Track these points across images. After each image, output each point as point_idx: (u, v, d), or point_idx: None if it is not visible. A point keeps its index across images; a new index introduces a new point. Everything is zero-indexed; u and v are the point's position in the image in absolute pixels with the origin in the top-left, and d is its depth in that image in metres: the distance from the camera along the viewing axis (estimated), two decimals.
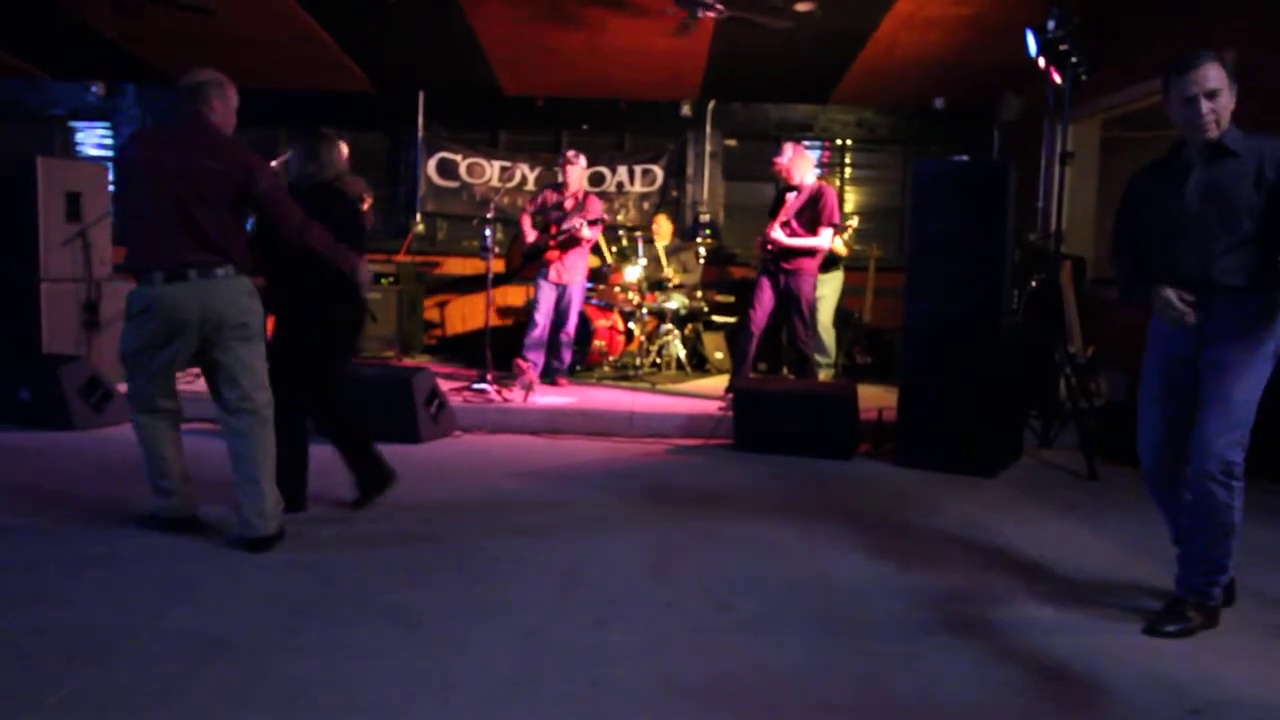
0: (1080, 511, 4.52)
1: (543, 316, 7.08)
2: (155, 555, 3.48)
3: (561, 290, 7.11)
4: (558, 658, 2.72)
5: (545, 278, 7.08)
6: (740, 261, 9.23)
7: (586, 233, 6.96)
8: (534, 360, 7.01)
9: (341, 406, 4.19)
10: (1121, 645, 2.92)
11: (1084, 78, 5.55)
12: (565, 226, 6.96)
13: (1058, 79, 5.59)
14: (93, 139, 9.71)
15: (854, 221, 8.28)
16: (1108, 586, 3.45)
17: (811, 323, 6.64)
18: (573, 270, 7.12)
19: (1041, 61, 5.61)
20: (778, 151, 6.65)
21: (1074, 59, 5.46)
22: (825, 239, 6.35)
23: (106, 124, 9.59)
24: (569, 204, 7.13)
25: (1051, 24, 5.47)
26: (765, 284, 6.46)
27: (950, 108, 9.05)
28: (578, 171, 7.16)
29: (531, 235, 7.15)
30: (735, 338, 7.46)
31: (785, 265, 6.36)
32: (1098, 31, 5.96)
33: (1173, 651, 2.87)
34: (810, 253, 6.36)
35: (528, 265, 7.23)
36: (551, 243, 7.02)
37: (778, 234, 6.34)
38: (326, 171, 4.15)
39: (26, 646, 2.68)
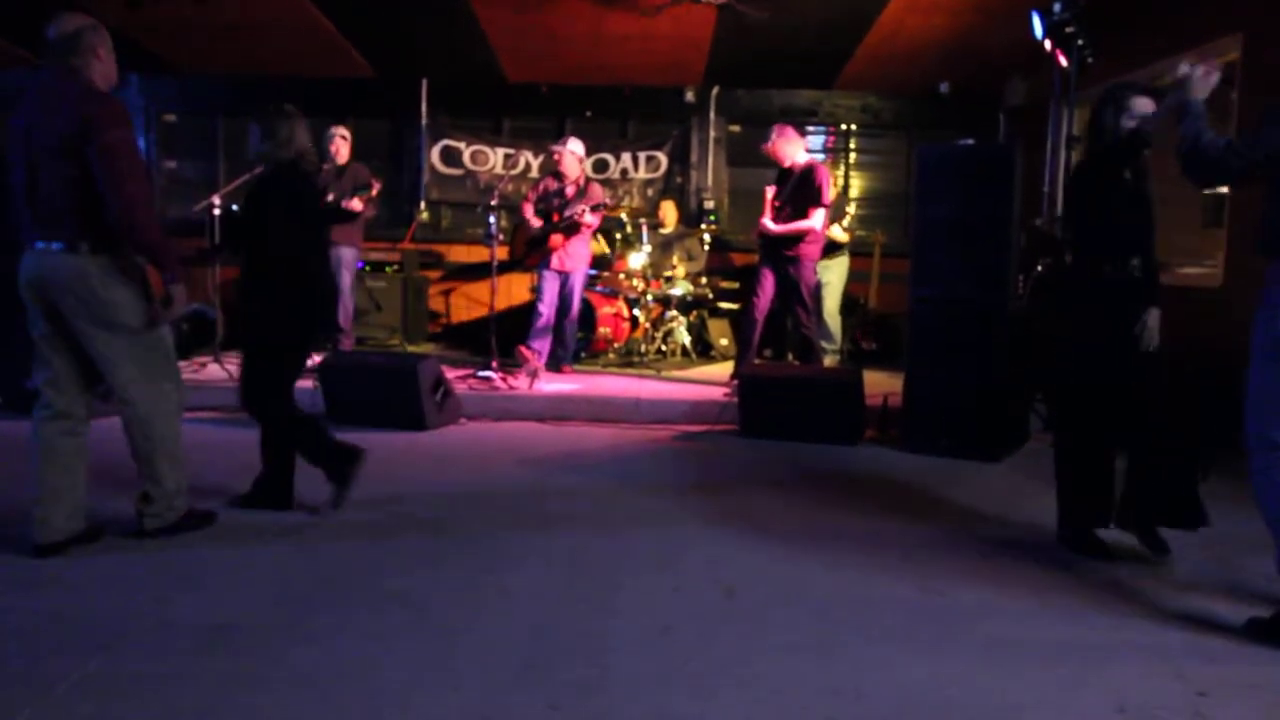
0: None
1: (547, 305, 7.08)
2: (159, 543, 3.49)
3: (565, 278, 7.11)
4: (564, 643, 2.73)
5: (548, 266, 7.08)
6: (744, 248, 9.21)
7: (588, 218, 6.95)
8: (539, 348, 7.01)
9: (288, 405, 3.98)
10: (1127, 627, 2.93)
11: (1090, 61, 5.52)
12: (567, 213, 6.95)
13: (1064, 62, 5.55)
14: None
15: (851, 208, 8.26)
16: (1112, 572, 3.45)
17: (815, 309, 6.63)
18: (575, 258, 7.11)
19: (1048, 44, 5.57)
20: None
21: (1080, 42, 5.42)
22: (817, 220, 6.30)
23: None
24: (570, 191, 7.12)
25: (1058, 6, 5.43)
26: (766, 271, 6.45)
27: (955, 92, 9.01)
28: (569, 159, 7.14)
29: (535, 223, 7.14)
30: (739, 324, 7.46)
31: (785, 252, 6.34)
32: (1104, 14, 5.93)
33: (1178, 636, 2.88)
34: (805, 237, 6.32)
35: (531, 253, 7.23)
36: (554, 232, 7.01)
37: (768, 223, 6.36)
38: (286, 150, 3.84)
39: (35, 633, 2.69)
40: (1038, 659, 2.70)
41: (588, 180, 7.35)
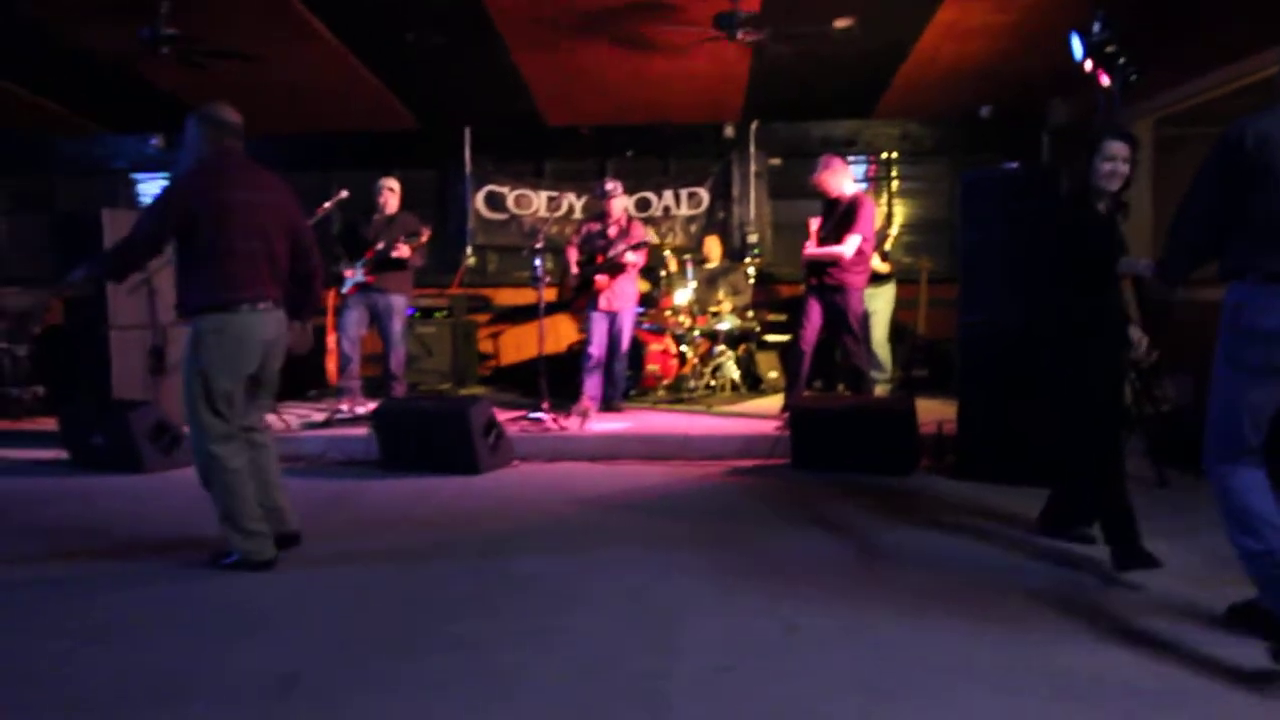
0: (1151, 520, 4.39)
1: (597, 345, 7.13)
2: (223, 593, 3.54)
3: (613, 318, 7.16)
4: (624, 684, 2.71)
5: (596, 307, 7.14)
6: (790, 279, 9.20)
7: (630, 257, 7.00)
8: (591, 389, 7.05)
9: None
10: (1203, 656, 2.84)
11: (1134, 78, 5.45)
12: (611, 254, 7.02)
13: (1106, 81, 5.49)
14: (154, 190, 10.04)
15: (893, 231, 8.21)
16: (1186, 597, 3.35)
17: (864, 337, 6.57)
18: (622, 297, 7.16)
19: (1088, 65, 5.52)
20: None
21: (1122, 60, 5.36)
22: (850, 247, 6.23)
23: (167, 174, 9.91)
24: (613, 231, 7.18)
25: (1097, 26, 5.38)
26: (813, 302, 6.43)
27: (996, 115, 8.96)
28: (620, 201, 7.25)
29: (576, 269, 7.23)
30: (787, 356, 7.42)
31: (828, 282, 6.31)
32: (1146, 29, 5.87)
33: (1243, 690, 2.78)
34: (843, 265, 6.28)
35: (579, 296, 7.30)
36: (599, 273, 7.08)
37: (810, 249, 6.36)
38: None
39: (102, 686, 2.73)
40: (1109, 696, 2.62)
41: (630, 219, 7.42)
